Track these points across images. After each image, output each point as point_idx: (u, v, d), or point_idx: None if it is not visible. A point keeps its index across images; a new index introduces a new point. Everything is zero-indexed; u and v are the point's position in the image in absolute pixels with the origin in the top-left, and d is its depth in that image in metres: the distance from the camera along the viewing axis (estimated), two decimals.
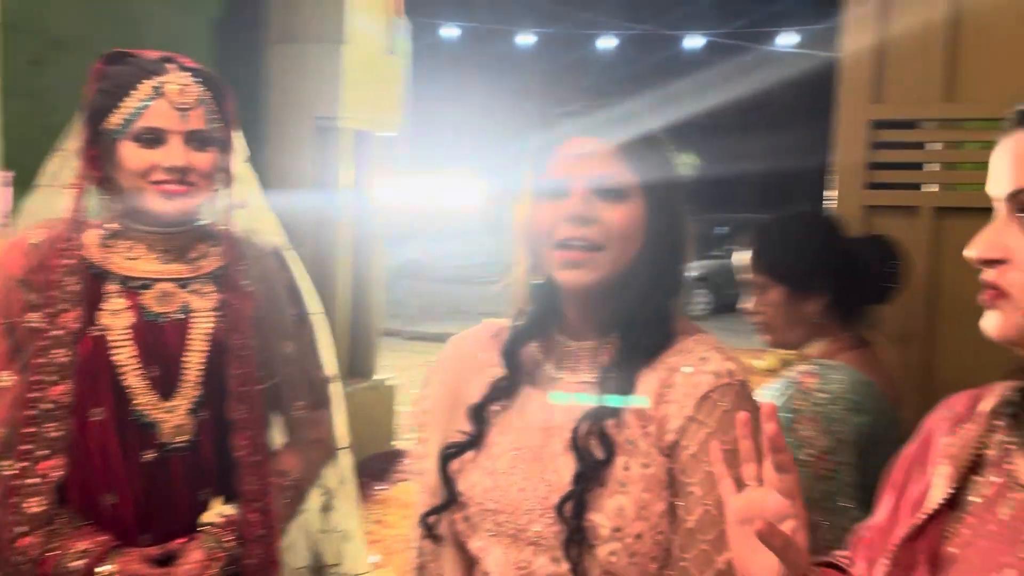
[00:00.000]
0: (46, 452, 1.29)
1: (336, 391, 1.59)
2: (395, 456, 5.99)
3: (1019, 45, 1.81)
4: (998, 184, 0.75)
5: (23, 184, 2.81)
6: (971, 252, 0.75)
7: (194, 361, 1.36)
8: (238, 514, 1.36)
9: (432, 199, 11.26)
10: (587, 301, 1.10)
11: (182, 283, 1.39)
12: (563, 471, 1.04)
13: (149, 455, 1.33)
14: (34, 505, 1.28)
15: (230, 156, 1.42)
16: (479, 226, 16.04)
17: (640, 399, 1.05)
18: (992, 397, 0.83)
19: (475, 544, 1.11)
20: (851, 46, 1.94)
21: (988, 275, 0.74)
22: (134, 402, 1.33)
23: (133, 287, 1.37)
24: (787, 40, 14.08)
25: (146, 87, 1.32)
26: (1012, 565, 0.72)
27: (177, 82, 1.33)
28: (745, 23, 15.29)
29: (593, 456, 1.02)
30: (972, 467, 0.80)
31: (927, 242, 1.86)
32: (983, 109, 1.84)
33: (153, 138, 1.32)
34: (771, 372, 7.90)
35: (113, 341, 1.33)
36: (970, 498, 0.79)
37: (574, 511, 1.01)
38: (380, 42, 5.46)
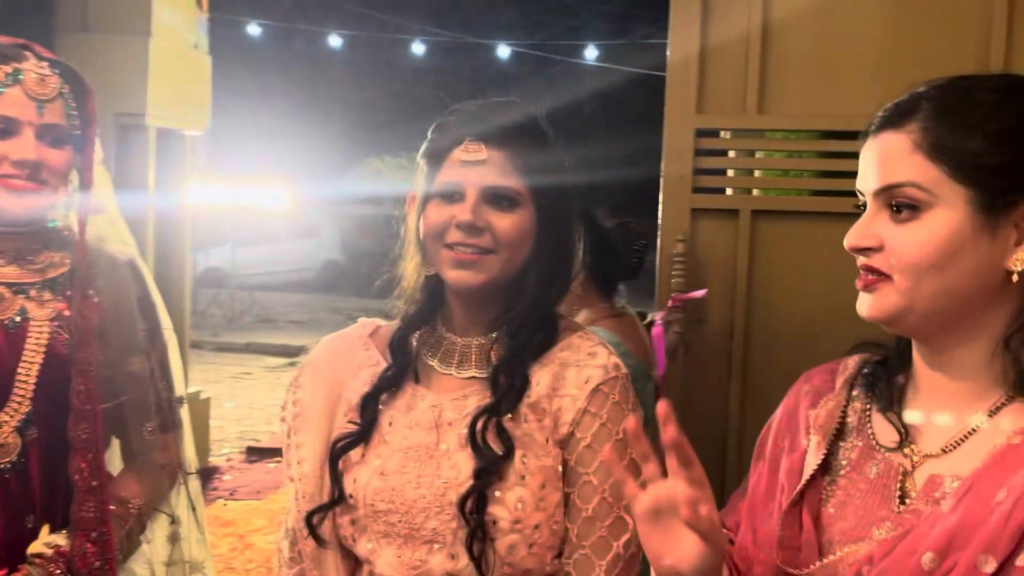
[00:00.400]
0: None
1: (184, 412, 1.50)
2: (211, 473, 5.70)
3: (820, 64, 2.02)
4: (866, 180, 0.84)
5: None
6: (848, 241, 0.84)
7: (26, 374, 1.24)
8: (70, 544, 1.25)
9: (237, 204, 10.80)
10: (476, 300, 1.12)
11: (18, 288, 1.26)
12: (461, 467, 1.05)
13: None
14: None
15: (88, 156, 1.31)
16: (286, 232, 15.55)
17: (534, 392, 1.08)
18: (847, 369, 0.93)
19: (364, 547, 1.09)
20: (676, 59, 2.08)
21: (869, 260, 0.82)
22: None
23: None
24: (589, 54, 14.74)
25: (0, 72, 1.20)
26: (888, 518, 0.81)
27: (36, 71, 1.22)
28: (548, 36, 15.85)
29: (492, 451, 1.04)
30: (838, 434, 0.89)
31: (746, 243, 2.03)
32: (791, 121, 2.03)
33: (3, 128, 1.20)
34: None
35: None
36: (840, 462, 0.88)
37: (475, 506, 1.02)
38: (186, 37, 5.18)
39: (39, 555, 1.23)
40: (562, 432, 1.07)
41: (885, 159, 0.82)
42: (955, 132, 0.79)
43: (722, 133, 2.10)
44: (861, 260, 0.83)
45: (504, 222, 1.07)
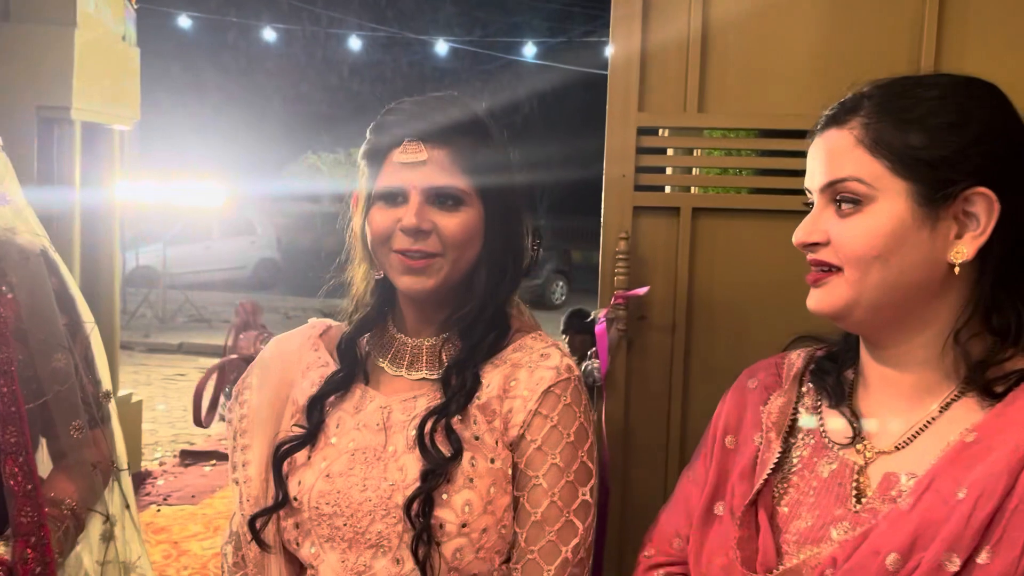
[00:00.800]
0: None
1: (112, 407, 1.45)
2: (144, 478, 5.54)
3: (758, 64, 2.04)
4: (813, 178, 0.85)
5: None
6: (796, 237, 0.84)
7: None
8: (11, 551, 1.20)
9: (168, 200, 10.51)
10: (428, 302, 1.11)
11: None
12: (408, 469, 1.03)
13: None
14: None
15: None
16: (220, 230, 15.19)
17: (484, 393, 1.07)
18: (793, 365, 0.93)
19: (307, 551, 1.07)
20: (618, 57, 2.08)
21: (818, 255, 0.83)
22: None
23: None
24: (527, 52, 14.77)
25: None
26: (845, 518, 0.81)
27: None
28: (486, 32, 15.83)
29: (441, 453, 1.02)
30: (789, 431, 0.90)
31: (687, 240, 2.04)
32: (730, 120, 2.06)
33: None
34: None
35: None
36: (792, 460, 0.88)
37: (421, 509, 1.00)
38: (113, 28, 5.02)
39: None
40: (512, 434, 1.05)
41: (829, 155, 0.83)
42: (895, 127, 0.81)
43: (662, 131, 2.12)
44: (810, 256, 0.84)
45: (450, 222, 1.06)
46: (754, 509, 0.89)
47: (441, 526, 1.01)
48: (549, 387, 1.07)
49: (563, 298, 13.08)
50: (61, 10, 4.48)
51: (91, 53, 4.63)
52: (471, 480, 1.03)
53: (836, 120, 0.85)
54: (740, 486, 0.92)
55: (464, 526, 1.01)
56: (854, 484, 0.83)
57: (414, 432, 1.05)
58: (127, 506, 1.46)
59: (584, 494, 1.06)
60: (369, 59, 16.13)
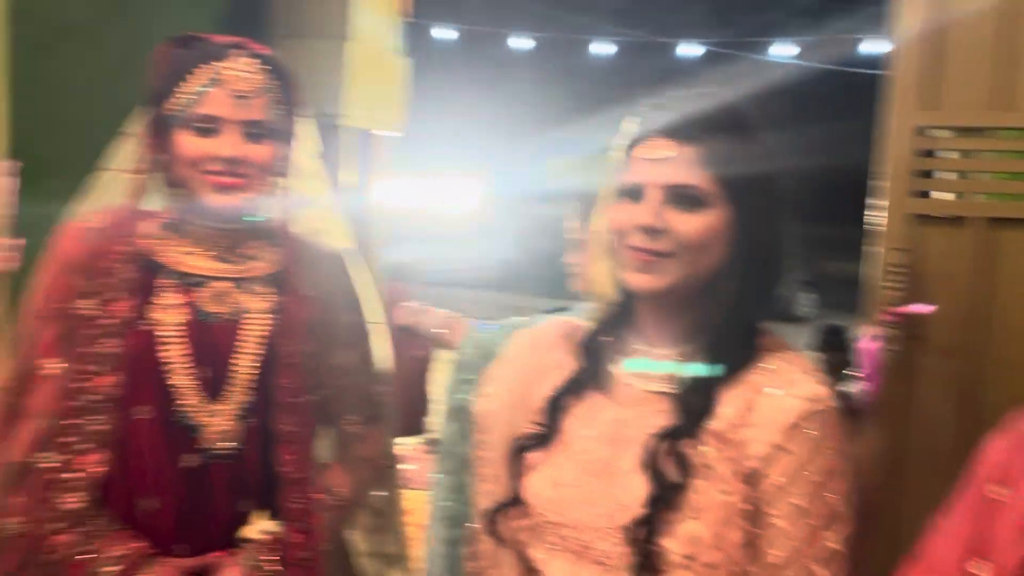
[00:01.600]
0: (88, 446, 1.22)
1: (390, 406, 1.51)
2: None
3: None
4: None
5: (30, 173, 2.72)
6: None
7: (244, 365, 1.28)
8: (282, 533, 1.28)
9: (425, 201, 11.20)
10: (662, 308, 1.04)
11: (237, 282, 1.31)
12: (634, 490, 0.98)
13: (190, 459, 1.25)
14: (71, 501, 1.21)
15: (292, 149, 1.34)
16: (469, 230, 15.96)
17: (721, 419, 0.98)
18: None
19: (536, 554, 1.04)
20: (899, 48, 1.89)
21: None
22: (178, 402, 1.25)
23: (187, 283, 1.29)
24: (781, 51, 14.12)
25: (205, 72, 1.25)
26: None
27: (237, 68, 1.26)
28: (739, 32, 15.33)
29: (668, 478, 0.96)
30: None
31: (976, 253, 1.81)
32: None
33: (208, 127, 1.24)
34: None
35: (162, 337, 1.26)
36: None
37: (646, 535, 0.95)
38: (385, 41, 5.39)
39: (253, 540, 1.27)
40: (749, 467, 0.96)
41: None
42: None
43: (947, 132, 1.89)
44: None
45: (687, 224, 0.98)
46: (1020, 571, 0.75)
47: (665, 555, 0.95)
48: (796, 420, 0.96)
49: (811, 312, 12.36)
50: (335, 25, 4.89)
51: (362, 64, 5.00)
52: (699, 510, 0.96)
53: None
54: (1017, 544, 0.77)
55: (689, 558, 0.94)
56: None
57: (644, 450, 0.99)
58: (395, 503, 1.53)
59: (832, 541, 0.95)
60: (618, 64, 16.21)
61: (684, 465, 0.96)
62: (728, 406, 0.99)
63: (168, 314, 1.26)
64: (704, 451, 0.97)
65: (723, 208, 0.99)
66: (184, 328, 1.26)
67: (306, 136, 1.40)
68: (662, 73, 15.97)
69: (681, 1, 16.47)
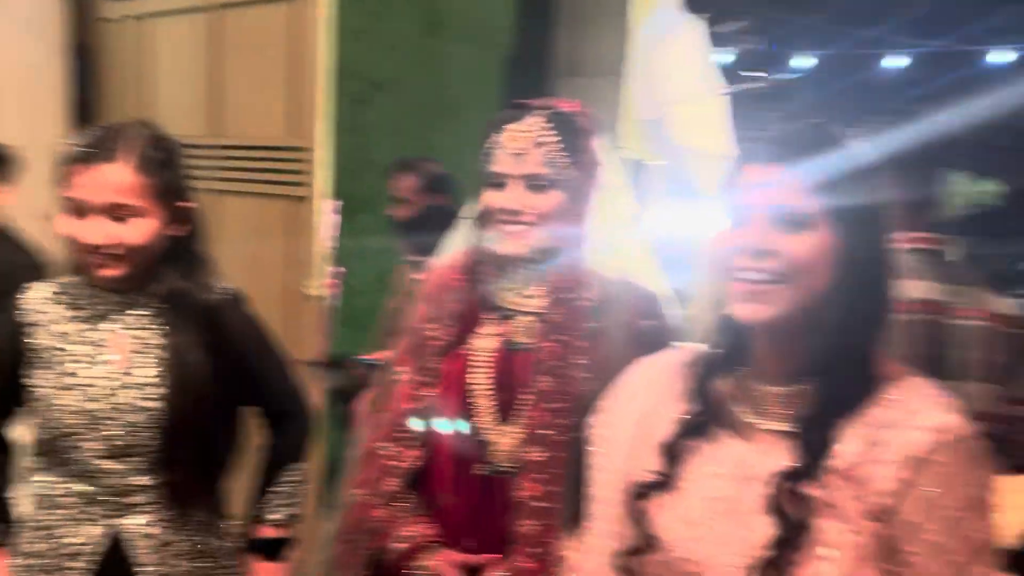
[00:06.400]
0: (413, 443, 1.45)
1: None
2: None
3: None
4: None
5: (349, 211, 3.13)
6: None
7: (530, 393, 1.42)
8: (514, 556, 1.38)
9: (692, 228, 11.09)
10: (772, 339, 1.02)
11: (540, 317, 1.46)
12: (760, 530, 0.98)
13: (480, 470, 1.42)
14: (391, 484, 1.45)
15: (580, 196, 1.44)
16: None
17: (844, 457, 0.96)
18: None
19: None
20: None
21: None
22: (477, 420, 1.43)
23: (503, 316, 1.48)
24: None
25: (498, 136, 1.43)
26: None
27: (515, 130, 1.42)
28: None
29: (793, 519, 0.95)
30: None
31: None
32: None
33: (496, 182, 1.42)
34: None
35: (474, 361, 1.45)
36: None
37: (772, 575, 0.96)
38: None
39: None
40: (878, 504, 0.93)
41: None
42: None
43: None
44: None
45: (794, 245, 0.97)
46: None
47: None
48: (924, 454, 0.92)
49: None
50: (615, 63, 5.09)
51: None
52: (827, 550, 0.94)
53: None
54: None
55: None
56: None
57: (767, 490, 0.98)
58: None
59: (980, 571, 0.91)
60: (912, 77, 15.02)
61: (807, 506, 0.95)
62: (850, 443, 0.96)
63: (483, 341, 1.46)
64: (828, 491, 0.95)
65: (825, 230, 0.98)
66: (493, 355, 1.44)
67: (612, 178, 1.49)
68: (965, 83, 14.55)
69: (990, 4, 14.94)
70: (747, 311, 1.00)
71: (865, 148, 1.05)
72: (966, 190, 10.05)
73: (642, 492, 1.09)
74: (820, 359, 1.01)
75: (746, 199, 1.02)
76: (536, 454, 1.39)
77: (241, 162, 3.52)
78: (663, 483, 1.08)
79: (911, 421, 0.96)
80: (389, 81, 3.96)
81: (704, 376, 1.11)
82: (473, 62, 4.52)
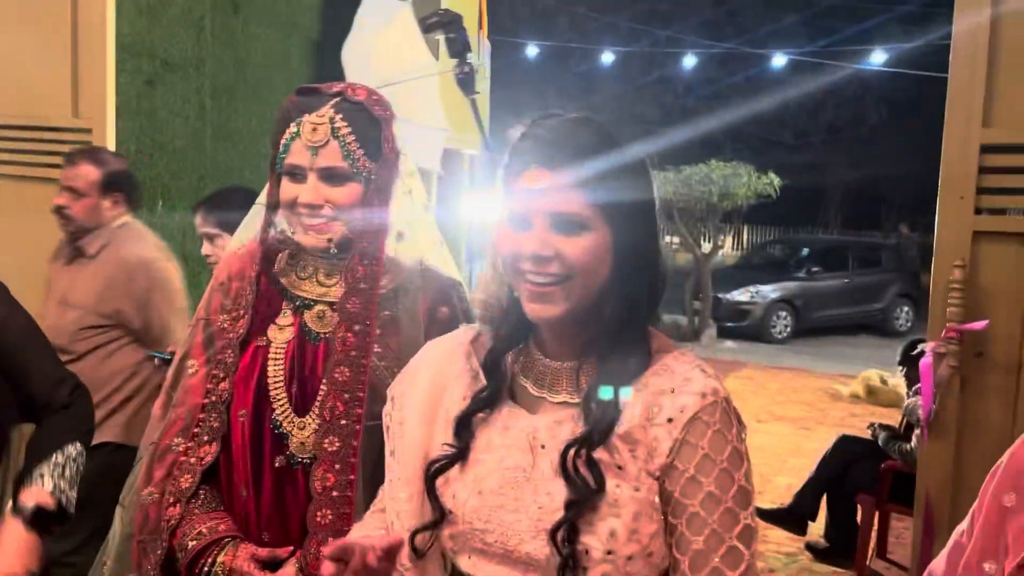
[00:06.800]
0: (207, 438, 1.40)
1: None
2: None
3: None
4: None
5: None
6: None
7: (324, 383, 1.39)
8: (307, 547, 1.36)
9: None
10: (559, 328, 1.10)
11: (336, 306, 1.44)
12: (555, 495, 1.04)
13: (278, 462, 1.39)
14: (185, 481, 1.38)
15: (379, 187, 1.42)
16: None
17: (626, 422, 1.05)
18: None
19: (464, 561, 1.10)
20: (959, 67, 1.91)
21: None
22: (273, 412, 1.40)
23: (299, 306, 1.44)
24: (876, 59, 13.75)
25: (293, 127, 1.39)
26: None
27: (311, 122, 1.38)
28: (833, 42, 15.00)
29: (585, 483, 1.02)
30: None
31: None
32: None
33: (294, 174, 1.39)
34: (856, 399, 7.66)
35: (270, 353, 1.41)
36: None
37: (567, 537, 1.01)
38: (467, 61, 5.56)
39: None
40: (659, 463, 1.03)
41: None
42: None
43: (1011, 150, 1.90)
44: None
45: (574, 248, 1.04)
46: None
47: (587, 552, 1.01)
48: (695, 414, 1.02)
49: (908, 325, 11.94)
50: None
51: (447, 86, 5.18)
52: (615, 508, 1.02)
53: None
54: (1013, 549, 0.82)
55: (609, 553, 1.01)
56: None
57: (558, 457, 1.05)
58: None
59: (745, 518, 1.02)
60: (705, 76, 16.07)
61: (597, 469, 1.02)
62: (631, 409, 1.05)
63: (280, 332, 1.42)
64: (614, 454, 1.03)
65: (602, 230, 1.05)
66: (290, 346, 1.41)
67: (407, 168, 1.47)
68: (748, 83, 15.75)
69: (771, 12, 16.22)
70: (536, 310, 1.06)
71: (634, 145, 1.11)
72: (751, 182, 10.89)
73: (437, 467, 1.12)
74: (603, 340, 1.08)
75: (525, 204, 1.06)
76: (331, 444, 1.38)
77: (16, 143, 3.25)
78: (457, 457, 1.12)
79: (683, 387, 1.05)
80: (185, 62, 3.77)
81: (493, 353, 1.15)
82: (276, 45, 4.38)
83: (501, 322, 1.15)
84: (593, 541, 1.02)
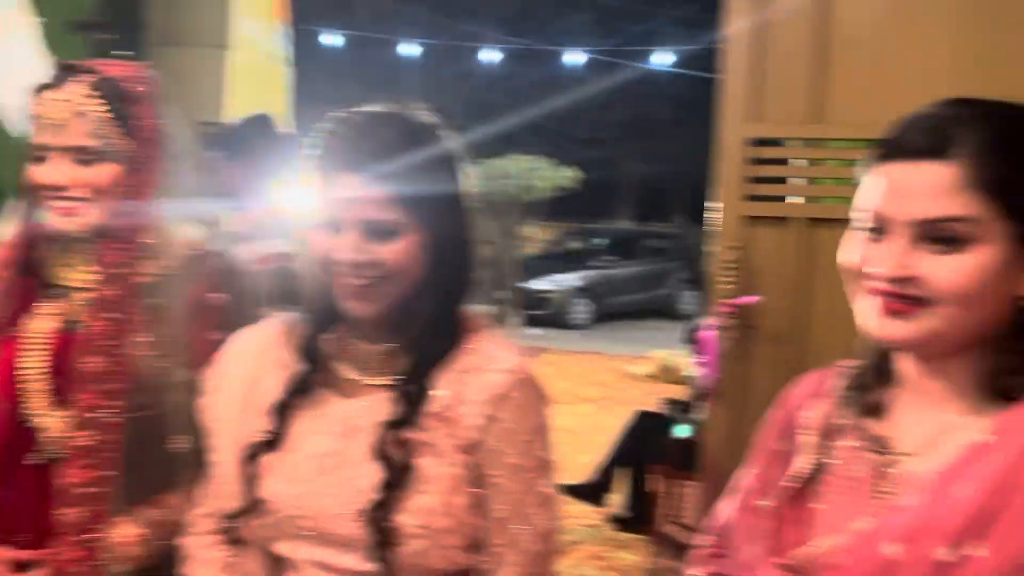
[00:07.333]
0: None
1: None
2: None
3: (882, 72, 2.01)
4: (898, 207, 0.82)
5: None
6: (884, 270, 0.82)
7: (78, 374, 1.30)
8: (59, 548, 1.29)
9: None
10: (375, 319, 1.11)
11: (94, 294, 1.35)
12: (370, 477, 1.06)
13: (34, 458, 1.30)
14: None
15: (139, 167, 1.34)
16: None
17: (438, 401, 1.09)
18: (840, 375, 0.96)
19: (281, 548, 1.11)
20: (730, 68, 2.10)
21: (904, 288, 0.82)
22: (28, 405, 1.30)
23: (58, 294, 1.34)
24: (662, 59, 14.65)
25: (34, 103, 1.29)
26: (865, 512, 0.84)
27: (52, 98, 1.28)
28: (622, 41, 15.81)
29: (397, 462, 1.06)
30: (829, 435, 0.92)
31: (797, 250, 2.03)
32: (847, 130, 2.02)
33: (38, 155, 1.29)
34: (651, 378, 8.16)
35: (27, 344, 1.31)
36: (830, 462, 0.91)
37: (381, 516, 1.04)
38: (265, 48, 5.39)
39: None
40: (468, 439, 1.08)
41: (928, 190, 0.80)
42: (1010, 169, 0.79)
43: (775, 143, 2.11)
44: (892, 288, 0.82)
45: (387, 252, 1.06)
46: (791, 505, 0.92)
47: (402, 529, 1.04)
48: (502, 390, 1.08)
49: (692, 308, 12.89)
50: (215, 33, 4.87)
51: (242, 72, 4.99)
52: (429, 485, 1.06)
53: (934, 151, 0.80)
54: (781, 485, 0.94)
55: (424, 528, 1.05)
56: (879, 483, 0.86)
57: (373, 439, 1.07)
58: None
59: (543, 486, 1.10)
60: (505, 71, 16.45)
61: (410, 448, 1.06)
62: (442, 388, 1.09)
63: (39, 322, 1.31)
64: (426, 432, 1.07)
65: (415, 233, 1.07)
66: (49, 336, 1.31)
67: (183, 146, 1.39)
68: (546, 80, 16.30)
69: (565, 10, 16.83)
70: (353, 307, 1.08)
71: (446, 143, 1.11)
72: (550, 175, 11.30)
73: (252, 454, 1.11)
74: (417, 324, 1.10)
75: (337, 210, 1.06)
76: (85, 439, 1.30)
77: None
78: (271, 443, 1.11)
79: (491, 365, 1.09)
80: None
81: (308, 338, 1.15)
82: (52, 27, 4.04)
83: (315, 307, 1.15)
84: (407, 518, 1.05)
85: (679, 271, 13.02)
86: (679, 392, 5.72)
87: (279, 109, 5.55)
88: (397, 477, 1.05)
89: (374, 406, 1.10)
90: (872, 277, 0.83)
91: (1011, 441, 0.78)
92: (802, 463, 0.92)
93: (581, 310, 12.05)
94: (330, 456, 1.09)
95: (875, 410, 0.91)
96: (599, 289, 12.18)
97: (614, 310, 12.28)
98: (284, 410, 1.12)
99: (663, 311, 12.31)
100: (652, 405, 4.85)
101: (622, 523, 4.27)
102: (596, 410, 6.77)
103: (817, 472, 0.92)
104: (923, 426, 0.86)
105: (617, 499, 4.40)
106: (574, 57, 14.21)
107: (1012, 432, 0.79)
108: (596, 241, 14.12)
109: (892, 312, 0.82)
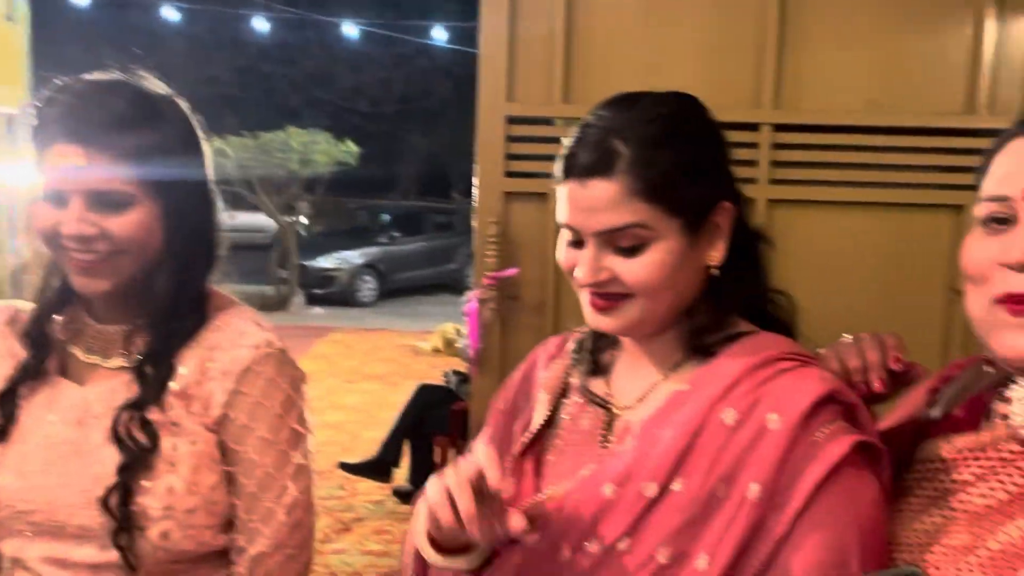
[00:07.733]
0: None
1: None
2: None
3: (620, 55, 2.15)
4: (584, 221, 0.90)
5: None
6: (582, 278, 0.90)
7: None
8: None
9: None
10: (110, 296, 1.07)
11: None
12: (107, 462, 1.03)
13: None
14: None
15: None
16: None
17: (181, 380, 1.07)
18: (573, 339, 1.05)
19: (11, 545, 1.07)
20: (487, 48, 2.17)
21: (607, 289, 0.91)
22: None
23: None
24: (439, 35, 14.72)
25: None
26: (591, 460, 0.93)
27: None
28: (399, 15, 15.71)
29: (137, 444, 1.03)
30: (562, 393, 1.01)
31: (554, 224, 2.15)
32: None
33: None
34: (437, 352, 8.27)
35: None
36: (562, 417, 1.00)
37: (120, 500, 1.02)
38: None
39: None
40: (214, 415, 1.07)
41: (601, 205, 0.88)
42: (663, 175, 0.89)
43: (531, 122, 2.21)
44: (597, 290, 0.90)
45: (120, 225, 1.02)
46: (524, 458, 1.00)
47: (144, 512, 1.03)
48: (248, 365, 1.07)
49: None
50: None
51: None
52: (172, 465, 1.04)
53: (598, 170, 0.87)
54: (517, 441, 1.02)
55: (169, 509, 1.03)
56: (602, 434, 0.96)
57: (110, 424, 1.04)
58: None
59: (296, 458, 1.11)
60: (278, 40, 15.82)
61: (151, 429, 1.04)
62: (186, 366, 1.08)
63: None
64: (169, 411, 1.06)
65: (148, 202, 1.03)
66: None
67: None
68: (322, 51, 15.89)
69: None
70: (83, 284, 1.02)
71: (177, 112, 1.08)
72: (330, 150, 11.07)
73: None
74: (156, 305, 1.07)
75: (58, 181, 1.00)
76: None
77: None
78: (1, 431, 1.06)
79: (237, 341, 1.08)
80: None
81: (36, 322, 1.09)
82: None
83: (44, 287, 1.10)
84: (150, 500, 1.03)
85: (465, 246, 13.27)
86: (463, 365, 5.87)
87: (16, 75, 5.05)
88: (136, 460, 1.02)
89: (114, 391, 1.06)
90: (577, 280, 0.92)
91: (703, 390, 0.89)
92: (536, 418, 1.01)
93: (367, 287, 11.96)
94: (64, 444, 1.05)
95: (600, 370, 1.01)
96: (384, 265, 12.15)
97: (401, 286, 12.30)
98: (8, 401, 1.07)
99: (451, 286, 12.52)
100: (436, 379, 4.95)
101: (406, 496, 4.34)
102: (382, 387, 6.78)
103: (550, 426, 1.00)
104: (638, 383, 0.97)
105: (402, 473, 4.46)
106: (349, 29, 13.93)
107: (705, 382, 0.90)
108: (381, 217, 14.03)
109: (599, 308, 0.91)
